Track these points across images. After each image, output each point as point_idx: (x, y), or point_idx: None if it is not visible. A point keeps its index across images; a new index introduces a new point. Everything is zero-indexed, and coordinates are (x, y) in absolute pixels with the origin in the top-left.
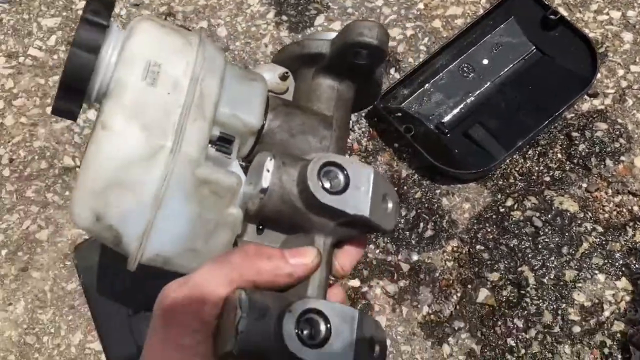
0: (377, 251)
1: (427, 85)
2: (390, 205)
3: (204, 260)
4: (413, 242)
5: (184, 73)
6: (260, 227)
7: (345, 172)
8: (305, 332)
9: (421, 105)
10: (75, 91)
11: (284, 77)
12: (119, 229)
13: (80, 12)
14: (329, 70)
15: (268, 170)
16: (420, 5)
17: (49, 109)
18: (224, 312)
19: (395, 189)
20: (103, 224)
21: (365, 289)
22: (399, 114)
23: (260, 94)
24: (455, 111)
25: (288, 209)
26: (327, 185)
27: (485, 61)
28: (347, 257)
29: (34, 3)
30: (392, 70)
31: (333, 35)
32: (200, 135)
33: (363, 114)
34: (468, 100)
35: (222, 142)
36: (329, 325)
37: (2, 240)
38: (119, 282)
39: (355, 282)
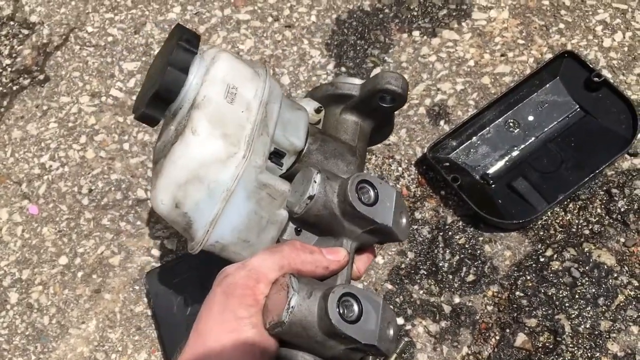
0: (421, 292)
1: (474, 138)
2: (404, 220)
3: (253, 252)
4: (455, 285)
5: (255, 96)
6: (298, 229)
7: (375, 190)
8: (342, 311)
9: (468, 156)
10: (164, 101)
11: (318, 110)
12: (192, 217)
13: None
14: (355, 109)
15: (315, 182)
16: (471, 63)
17: (126, 145)
18: (274, 291)
19: (441, 234)
20: (179, 211)
21: (408, 327)
22: (447, 164)
23: (305, 121)
24: (501, 164)
25: (327, 214)
26: (361, 198)
27: (531, 117)
28: (362, 262)
29: (116, 47)
30: (441, 122)
31: (359, 81)
32: (264, 147)
33: (412, 162)
34: (513, 154)
35: (276, 156)
36: (360, 307)
37: (79, 263)
38: (184, 308)
39: (400, 320)
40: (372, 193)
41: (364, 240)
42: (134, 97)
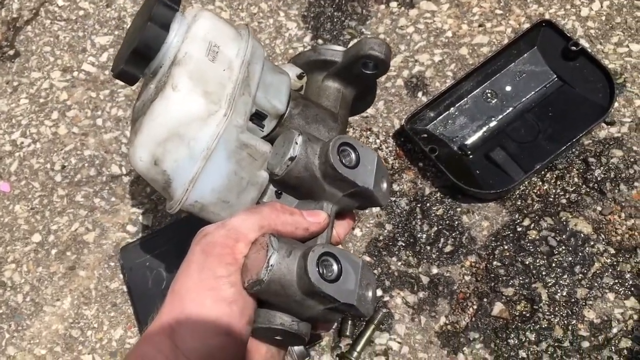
0: (400, 263)
1: (452, 109)
2: (385, 185)
3: (232, 213)
4: (433, 256)
5: (237, 56)
6: (279, 192)
7: (357, 152)
8: (321, 270)
9: (446, 127)
10: (144, 58)
11: (300, 77)
12: (171, 175)
13: None
14: (337, 75)
15: (297, 143)
16: (449, 34)
17: (99, 121)
18: (253, 251)
19: (419, 205)
20: (158, 169)
21: (386, 298)
22: (425, 135)
23: (287, 85)
24: (478, 134)
25: (308, 176)
26: (343, 160)
27: (508, 88)
28: (342, 228)
29: (88, 21)
30: (419, 94)
31: (342, 48)
32: (246, 107)
33: (390, 134)
34: (491, 125)
35: (257, 118)
36: (340, 267)
37: (52, 240)
38: (159, 283)
39: (378, 292)
40: (353, 156)
41: (345, 204)
42: (107, 72)
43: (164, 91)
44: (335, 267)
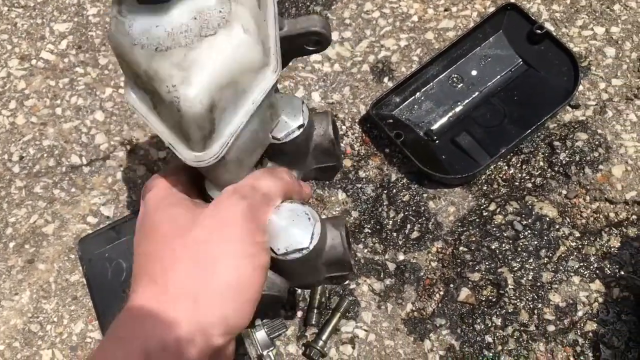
0: (366, 250)
1: (418, 94)
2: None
3: (238, 174)
4: (400, 242)
5: (268, 7)
6: (263, 156)
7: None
8: None
9: (412, 113)
10: None
11: None
12: (217, 125)
13: (91, 17)
14: None
15: (303, 111)
16: (415, 18)
17: (58, 110)
18: (286, 217)
19: (385, 191)
20: (211, 116)
21: (353, 286)
22: (391, 121)
23: None
24: (444, 119)
25: (304, 146)
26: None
27: (474, 72)
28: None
29: (47, 8)
30: (385, 79)
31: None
32: (279, 65)
33: (356, 120)
34: (456, 109)
35: None
36: (347, 237)
37: (10, 233)
38: (118, 274)
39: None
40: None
41: (309, 175)
42: (66, 60)
43: (231, 30)
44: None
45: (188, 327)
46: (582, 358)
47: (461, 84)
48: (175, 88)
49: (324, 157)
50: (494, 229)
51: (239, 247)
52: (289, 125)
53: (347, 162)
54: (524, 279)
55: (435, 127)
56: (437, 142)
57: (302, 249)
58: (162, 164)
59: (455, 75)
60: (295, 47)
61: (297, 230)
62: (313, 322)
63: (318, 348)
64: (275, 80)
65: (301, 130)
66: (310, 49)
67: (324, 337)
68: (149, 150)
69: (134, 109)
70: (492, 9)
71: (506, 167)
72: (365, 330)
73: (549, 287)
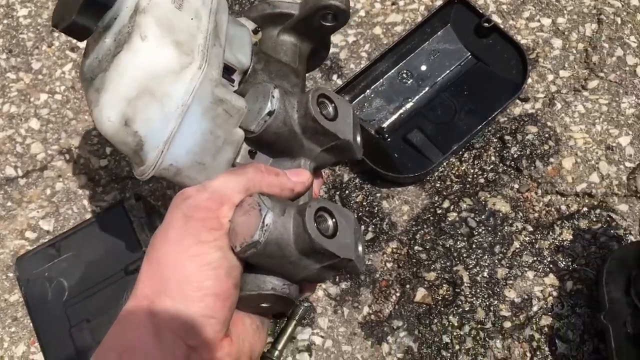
0: None
1: (368, 91)
2: (359, 138)
3: (208, 175)
4: None
5: (203, 4)
6: (253, 151)
7: (334, 104)
8: (318, 226)
9: (362, 110)
10: (101, 7)
11: (255, 31)
12: (143, 136)
13: (21, 19)
14: (294, 29)
15: (274, 97)
16: (362, 13)
17: None
18: (240, 213)
19: (338, 193)
20: (129, 130)
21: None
22: None
23: (249, 38)
24: (395, 116)
25: (287, 132)
26: (323, 112)
27: (424, 67)
28: (317, 185)
29: None
30: (334, 77)
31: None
32: (218, 59)
33: None
34: (407, 106)
35: (227, 72)
36: (335, 221)
37: None
38: (59, 294)
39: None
40: (331, 108)
41: (322, 161)
42: None
43: (131, 42)
44: (330, 222)
45: (145, 328)
46: (538, 353)
47: (411, 80)
48: (91, 111)
49: (322, 138)
50: (449, 226)
51: (178, 248)
52: (259, 115)
53: None
54: (480, 276)
55: (386, 124)
56: (388, 140)
57: (254, 243)
58: (103, 173)
59: (405, 71)
60: (313, 27)
61: (248, 223)
62: (268, 332)
63: (274, 358)
64: (202, 77)
65: (272, 117)
66: (328, 25)
67: (279, 347)
68: (90, 158)
69: None
70: (439, 2)
71: (458, 163)
72: (322, 337)
73: (504, 283)
